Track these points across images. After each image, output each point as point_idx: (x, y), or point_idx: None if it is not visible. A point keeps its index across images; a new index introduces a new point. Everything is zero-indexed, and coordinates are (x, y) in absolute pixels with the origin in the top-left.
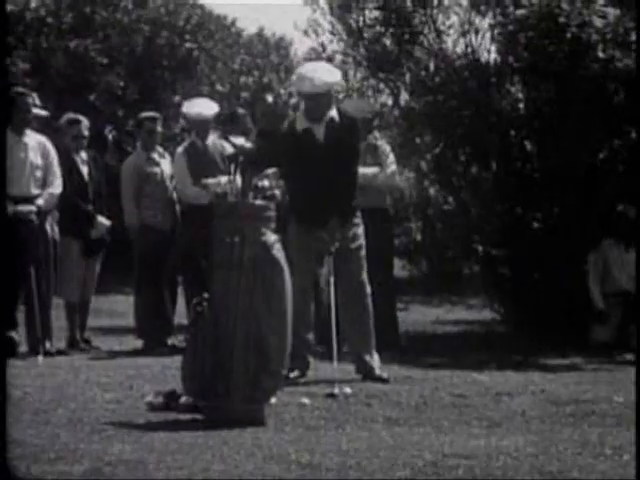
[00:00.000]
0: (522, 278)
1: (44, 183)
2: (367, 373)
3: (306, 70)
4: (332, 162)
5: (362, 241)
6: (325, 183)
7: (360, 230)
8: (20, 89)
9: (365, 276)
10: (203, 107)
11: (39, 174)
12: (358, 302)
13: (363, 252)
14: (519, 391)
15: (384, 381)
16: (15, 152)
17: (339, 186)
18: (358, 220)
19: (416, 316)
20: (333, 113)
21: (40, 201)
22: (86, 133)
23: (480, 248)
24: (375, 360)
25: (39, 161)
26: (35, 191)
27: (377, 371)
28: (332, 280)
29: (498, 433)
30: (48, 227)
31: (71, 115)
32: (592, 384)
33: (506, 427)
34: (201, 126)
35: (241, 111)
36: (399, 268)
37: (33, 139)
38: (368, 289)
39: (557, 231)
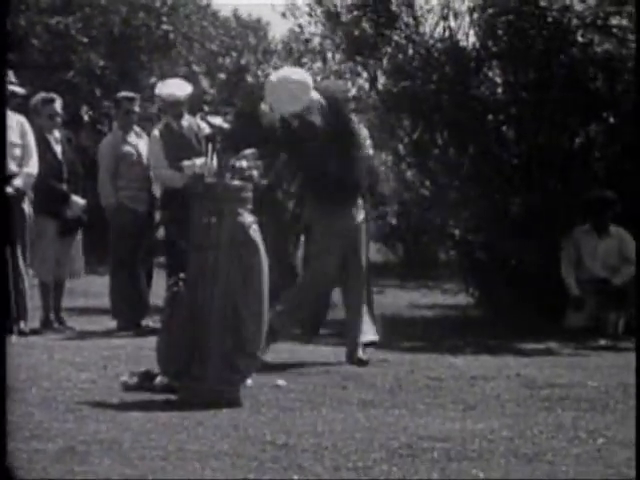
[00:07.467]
0: (498, 263)
1: (21, 162)
2: (351, 355)
3: (274, 95)
4: (333, 145)
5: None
6: (329, 165)
7: (363, 213)
8: None
9: (364, 260)
10: (175, 88)
11: (17, 152)
12: (359, 286)
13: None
14: (494, 375)
15: (363, 363)
16: None
17: (344, 168)
18: (361, 202)
19: (391, 300)
20: (318, 98)
21: (18, 182)
22: (60, 112)
23: (457, 233)
24: (360, 343)
25: (17, 140)
26: (13, 169)
27: (359, 353)
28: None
29: (473, 416)
30: (25, 207)
31: (44, 94)
32: (567, 369)
33: (481, 410)
34: (174, 107)
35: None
36: (374, 252)
37: (10, 117)
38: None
39: (534, 216)
